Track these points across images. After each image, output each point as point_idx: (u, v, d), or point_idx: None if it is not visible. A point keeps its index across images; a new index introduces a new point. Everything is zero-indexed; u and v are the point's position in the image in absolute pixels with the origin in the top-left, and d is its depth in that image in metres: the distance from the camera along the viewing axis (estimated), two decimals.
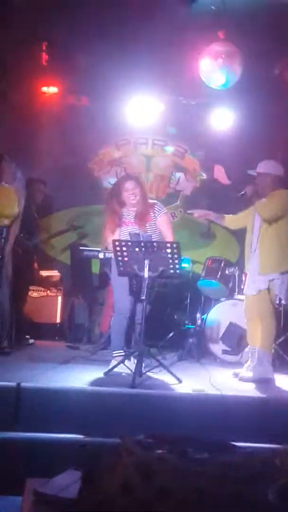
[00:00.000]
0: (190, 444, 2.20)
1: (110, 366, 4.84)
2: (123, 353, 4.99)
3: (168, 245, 4.69)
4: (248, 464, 2.06)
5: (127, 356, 4.84)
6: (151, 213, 5.15)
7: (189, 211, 6.27)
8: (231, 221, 5.65)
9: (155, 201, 5.40)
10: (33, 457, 3.53)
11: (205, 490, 1.83)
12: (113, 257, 5.02)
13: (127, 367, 4.74)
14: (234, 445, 2.43)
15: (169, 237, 5.15)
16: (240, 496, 1.82)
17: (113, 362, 4.94)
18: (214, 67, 6.72)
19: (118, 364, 4.78)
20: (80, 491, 1.93)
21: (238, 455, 2.23)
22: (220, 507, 1.83)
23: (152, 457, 1.90)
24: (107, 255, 5.87)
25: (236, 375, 5.21)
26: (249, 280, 5.31)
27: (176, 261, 4.68)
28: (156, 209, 5.19)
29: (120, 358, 4.90)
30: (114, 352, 5.09)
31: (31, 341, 6.40)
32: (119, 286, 5.10)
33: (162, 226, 5.18)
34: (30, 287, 6.85)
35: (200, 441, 2.27)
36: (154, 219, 5.15)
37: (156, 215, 5.16)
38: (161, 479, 1.79)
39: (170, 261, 4.67)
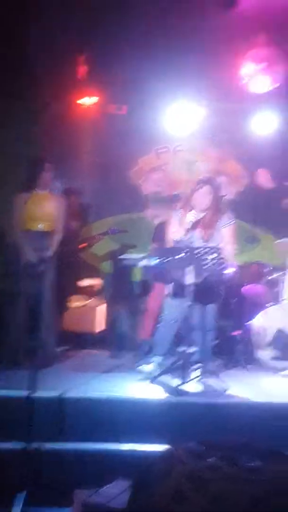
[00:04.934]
0: (242, 451, 2.11)
1: (155, 374, 4.77)
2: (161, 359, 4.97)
3: (212, 250, 4.59)
4: None
5: (173, 364, 4.75)
6: (218, 223, 5.00)
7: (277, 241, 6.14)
8: None
9: (225, 210, 5.23)
10: (80, 468, 3.49)
11: (259, 499, 1.74)
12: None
13: (172, 375, 4.65)
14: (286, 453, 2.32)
15: (227, 248, 5.00)
16: None
17: (149, 367, 4.90)
18: (257, 71, 6.65)
19: (163, 373, 4.71)
20: (129, 501, 1.85)
21: None
22: None
23: (204, 466, 1.81)
24: (148, 262, 5.83)
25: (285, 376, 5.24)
26: None
27: (220, 267, 4.58)
28: (224, 218, 5.04)
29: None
30: (155, 357, 5.01)
31: (66, 347, 6.38)
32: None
33: (225, 237, 5.00)
34: (71, 297, 6.85)
35: (252, 448, 2.17)
36: (219, 229, 5.00)
37: (222, 225, 5.00)
38: (214, 488, 1.70)
39: (214, 266, 4.57)
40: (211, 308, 4.93)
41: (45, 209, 5.53)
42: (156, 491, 1.76)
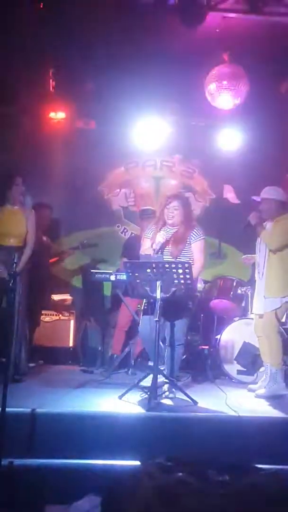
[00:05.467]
0: (211, 466, 2.16)
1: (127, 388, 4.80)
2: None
3: (180, 265, 4.65)
4: (269, 485, 2.02)
5: (141, 380, 4.79)
6: (188, 238, 5.05)
7: (243, 257, 6.23)
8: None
9: (196, 226, 5.24)
10: (51, 484, 3.49)
11: None
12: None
13: (142, 390, 4.70)
14: (254, 466, 2.39)
15: (197, 263, 5.05)
16: None
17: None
18: (220, 89, 6.80)
19: (133, 387, 4.75)
20: None
21: (259, 477, 2.20)
22: None
23: (173, 481, 1.87)
24: (118, 277, 5.88)
25: (250, 390, 5.31)
26: (256, 300, 5.42)
27: (189, 281, 4.65)
28: (193, 234, 5.08)
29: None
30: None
31: (41, 362, 6.45)
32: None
33: (195, 252, 5.05)
34: (43, 312, 6.87)
35: (220, 463, 2.23)
36: (189, 245, 5.05)
37: (191, 240, 5.05)
38: (183, 503, 1.76)
39: (182, 281, 4.64)
40: (181, 323, 4.99)
41: (16, 224, 5.55)
42: (126, 506, 1.82)
